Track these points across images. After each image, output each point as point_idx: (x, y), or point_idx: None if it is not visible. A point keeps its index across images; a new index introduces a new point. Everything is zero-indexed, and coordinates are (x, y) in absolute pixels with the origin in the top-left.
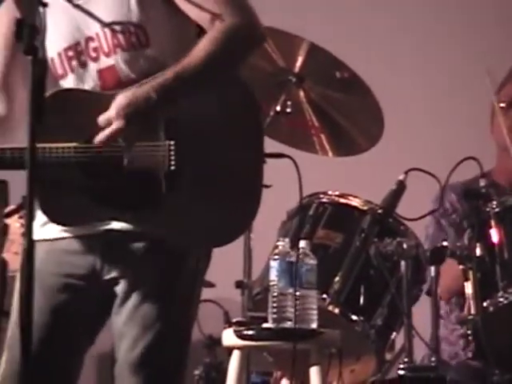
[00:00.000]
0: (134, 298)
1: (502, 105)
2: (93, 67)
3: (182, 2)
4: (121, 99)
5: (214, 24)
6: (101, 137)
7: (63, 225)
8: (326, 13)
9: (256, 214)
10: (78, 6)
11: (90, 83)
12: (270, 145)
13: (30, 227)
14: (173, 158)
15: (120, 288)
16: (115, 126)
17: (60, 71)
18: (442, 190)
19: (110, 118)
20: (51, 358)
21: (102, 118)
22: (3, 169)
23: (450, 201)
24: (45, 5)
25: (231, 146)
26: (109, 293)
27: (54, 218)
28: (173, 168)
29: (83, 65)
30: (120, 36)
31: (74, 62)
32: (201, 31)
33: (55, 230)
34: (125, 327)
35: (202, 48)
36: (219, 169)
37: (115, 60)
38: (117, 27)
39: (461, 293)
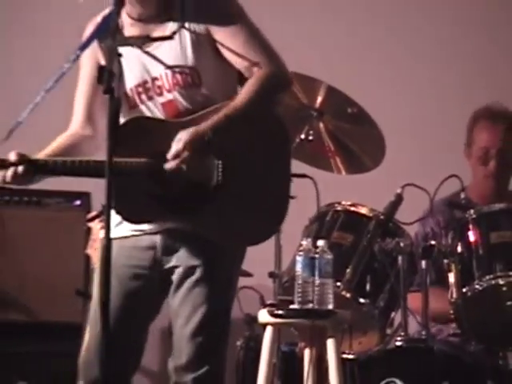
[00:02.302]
0: (187, 284)
1: (478, 153)
2: (157, 100)
3: (225, 51)
4: (186, 135)
5: (251, 70)
6: (172, 165)
7: (133, 222)
8: (341, 59)
9: (283, 220)
10: (147, 53)
11: (155, 112)
12: (296, 165)
13: (108, 229)
14: (220, 174)
15: (175, 276)
16: (183, 156)
17: (132, 103)
18: (431, 202)
19: (179, 150)
20: (125, 332)
21: (172, 151)
22: (93, 177)
23: (432, 224)
24: (120, 55)
25: (265, 165)
26: (167, 279)
27: (126, 216)
28: (219, 182)
29: (150, 98)
30: (178, 76)
31: (143, 96)
32: (241, 75)
33: (125, 229)
34: (179, 307)
35: (245, 94)
36: (255, 183)
37: (174, 95)
38: (176, 69)
39: (445, 319)
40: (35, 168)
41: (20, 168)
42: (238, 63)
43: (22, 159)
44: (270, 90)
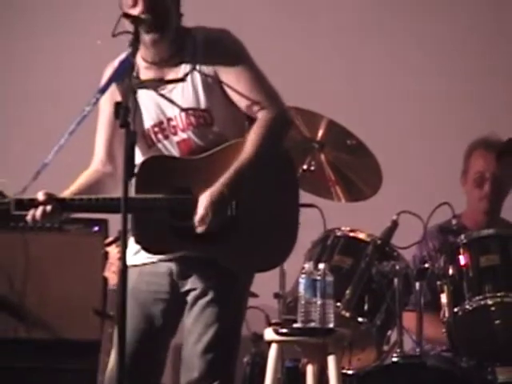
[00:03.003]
0: (199, 305)
1: (474, 176)
2: (173, 139)
3: (230, 91)
4: (205, 201)
5: (252, 109)
6: (201, 229)
7: (152, 253)
8: (341, 93)
9: (292, 248)
10: (162, 95)
11: (171, 151)
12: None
13: (124, 253)
14: (234, 207)
15: (190, 297)
16: (207, 221)
17: (150, 142)
18: (425, 228)
19: (203, 216)
20: (148, 353)
21: (197, 217)
22: (115, 213)
23: (428, 248)
24: (135, 92)
25: (275, 198)
26: (182, 301)
27: (145, 246)
28: (233, 214)
29: (166, 137)
30: (192, 117)
31: (160, 136)
32: (249, 115)
33: (143, 257)
34: (192, 326)
35: (251, 145)
36: (266, 215)
37: (188, 134)
38: (190, 111)
39: (439, 342)
40: (62, 206)
41: (48, 207)
42: (240, 102)
43: (50, 198)
44: (275, 135)
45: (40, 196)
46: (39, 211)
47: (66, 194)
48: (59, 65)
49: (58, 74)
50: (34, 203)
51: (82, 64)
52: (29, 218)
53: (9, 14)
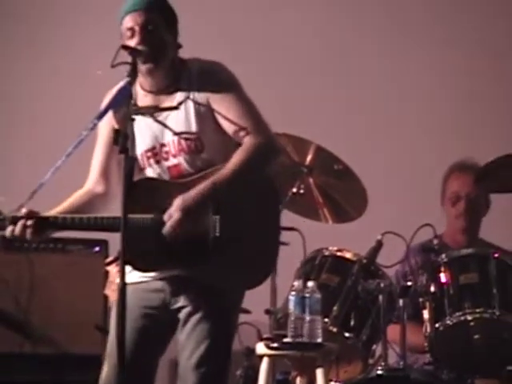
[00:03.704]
0: (192, 321)
1: (449, 196)
2: (164, 164)
3: (220, 117)
4: (176, 202)
5: (239, 134)
6: (168, 228)
7: (141, 271)
8: (329, 120)
9: (273, 267)
10: (158, 121)
11: (162, 175)
12: (289, 216)
13: (123, 273)
14: (217, 227)
15: (182, 314)
16: (173, 219)
17: (142, 166)
18: (408, 247)
19: (171, 213)
20: (137, 363)
21: (166, 214)
22: (101, 231)
23: (410, 264)
24: (133, 120)
25: (258, 218)
26: (175, 318)
27: (135, 267)
28: (217, 235)
29: (158, 162)
30: (183, 143)
31: (152, 160)
32: (238, 144)
33: (136, 276)
34: (185, 342)
35: (232, 163)
36: (249, 235)
37: (179, 160)
38: (182, 136)
39: (420, 350)
40: (45, 224)
41: (29, 222)
42: (229, 129)
43: (32, 215)
44: (257, 159)
45: (21, 213)
46: (18, 226)
47: (51, 213)
48: (60, 92)
49: (59, 101)
50: (14, 220)
51: (82, 92)
52: (7, 233)
53: (10, 45)
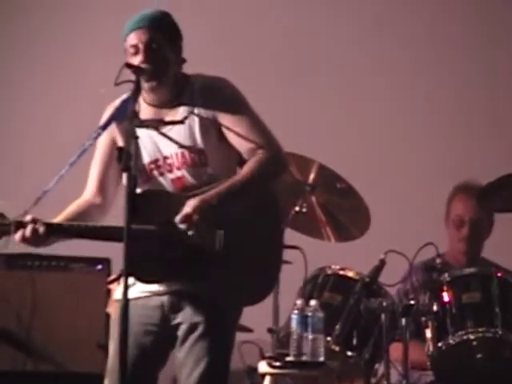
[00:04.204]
0: (190, 339)
1: (453, 219)
2: (168, 176)
3: (231, 135)
4: (195, 201)
5: (254, 152)
6: (184, 226)
7: (143, 282)
8: (331, 139)
9: (275, 284)
10: (162, 133)
11: (166, 187)
12: (292, 234)
13: (125, 291)
14: (221, 242)
15: (180, 332)
16: (193, 219)
17: (145, 177)
18: (410, 266)
19: (188, 213)
20: (138, 379)
21: (182, 214)
22: (104, 240)
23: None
24: (137, 137)
25: (261, 235)
26: (173, 334)
27: (138, 277)
28: (221, 249)
29: (161, 174)
30: (187, 156)
31: (155, 172)
32: (241, 158)
33: (136, 291)
34: (184, 360)
35: (245, 172)
36: (252, 251)
37: (183, 173)
38: (185, 150)
39: (422, 367)
40: (50, 230)
41: (38, 227)
42: (241, 146)
43: (37, 221)
44: (268, 173)
45: (27, 218)
46: (29, 229)
47: (54, 220)
48: (63, 109)
49: (61, 118)
50: (22, 224)
51: (85, 110)
52: (17, 236)
53: (10, 62)
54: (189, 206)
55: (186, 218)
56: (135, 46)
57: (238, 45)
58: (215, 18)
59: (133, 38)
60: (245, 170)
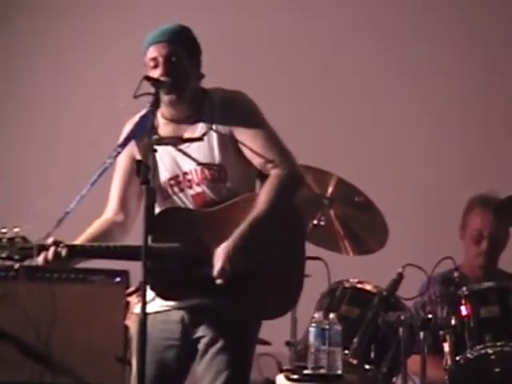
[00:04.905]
0: (210, 353)
1: (472, 233)
2: (188, 192)
3: (246, 150)
4: (222, 254)
5: (266, 166)
6: (220, 281)
7: (163, 298)
8: (350, 152)
9: (298, 299)
10: (180, 150)
11: (186, 203)
12: (309, 247)
13: (144, 304)
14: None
15: (201, 345)
16: (226, 273)
17: (165, 194)
18: (428, 280)
19: (221, 269)
20: None
21: (216, 269)
22: (126, 260)
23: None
24: (155, 151)
25: (283, 249)
26: (193, 348)
27: (159, 293)
28: (243, 264)
29: (181, 190)
30: (207, 172)
31: (176, 188)
32: (260, 171)
33: (157, 305)
34: (204, 373)
35: (264, 201)
36: (274, 265)
37: (203, 188)
38: (205, 166)
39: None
40: (73, 252)
41: (59, 248)
42: (254, 160)
43: (59, 243)
44: (286, 191)
45: (49, 242)
46: (51, 251)
47: (77, 241)
48: (84, 121)
49: (83, 132)
50: (44, 247)
51: (105, 124)
52: (40, 259)
53: (31, 79)
54: (220, 260)
55: (222, 273)
56: (155, 59)
57: (252, 58)
58: (225, 26)
59: (152, 52)
60: (262, 197)
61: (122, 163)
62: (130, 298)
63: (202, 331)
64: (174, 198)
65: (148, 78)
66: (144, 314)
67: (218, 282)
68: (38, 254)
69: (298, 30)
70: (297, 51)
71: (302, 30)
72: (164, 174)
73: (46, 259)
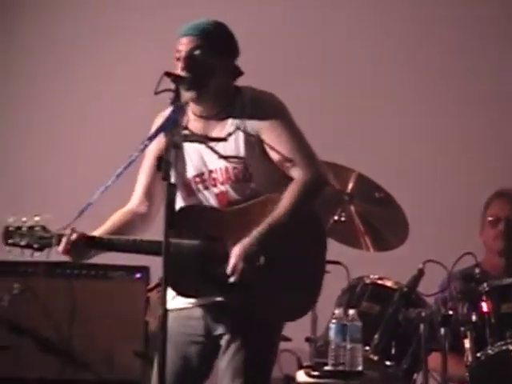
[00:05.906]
0: (232, 349)
1: (489, 218)
2: (212, 191)
3: (272, 152)
4: (238, 251)
5: (291, 169)
6: (232, 278)
7: (182, 296)
8: (370, 148)
9: (317, 299)
10: (210, 147)
11: (210, 201)
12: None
13: (164, 299)
14: (264, 258)
15: (223, 341)
16: (239, 269)
17: (190, 190)
18: (449, 276)
19: (235, 265)
20: None
21: (230, 265)
22: (145, 254)
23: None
24: (177, 147)
25: (303, 251)
26: (216, 344)
27: (179, 292)
28: (263, 265)
29: (206, 188)
30: (231, 172)
31: (200, 186)
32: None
33: (179, 302)
34: (225, 369)
35: (285, 203)
36: (294, 266)
37: (226, 188)
38: (230, 165)
39: (462, 380)
40: (91, 244)
41: (78, 240)
42: (279, 161)
43: (78, 234)
44: (309, 195)
45: (67, 232)
46: (68, 244)
47: (95, 233)
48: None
49: (83, 132)
50: (62, 237)
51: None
52: (60, 249)
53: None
54: (233, 257)
55: (234, 270)
56: (179, 52)
57: (265, 56)
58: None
59: (180, 43)
60: (284, 200)
61: (150, 156)
62: (150, 294)
63: (224, 328)
64: (199, 195)
65: (168, 74)
66: (165, 310)
67: (231, 279)
68: (58, 243)
69: (314, 24)
70: (315, 44)
71: (316, 24)
72: (191, 171)
73: (65, 249)
